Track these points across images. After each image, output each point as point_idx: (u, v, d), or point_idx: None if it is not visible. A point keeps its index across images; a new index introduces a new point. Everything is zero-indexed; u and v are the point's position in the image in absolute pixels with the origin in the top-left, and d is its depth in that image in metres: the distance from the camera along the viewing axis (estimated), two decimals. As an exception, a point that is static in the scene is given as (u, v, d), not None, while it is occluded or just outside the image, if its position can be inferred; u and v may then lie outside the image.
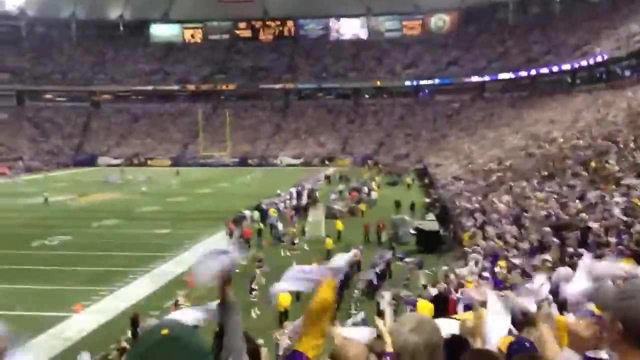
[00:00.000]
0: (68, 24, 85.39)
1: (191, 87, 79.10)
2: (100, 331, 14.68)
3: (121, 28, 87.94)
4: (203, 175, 54.09)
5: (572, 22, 62.38)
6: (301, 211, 31.90)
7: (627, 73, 47.17)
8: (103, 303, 16.88)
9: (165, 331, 1.40)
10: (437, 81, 71.56)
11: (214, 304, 2.46)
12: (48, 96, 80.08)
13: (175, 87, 78.93)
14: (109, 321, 15.40)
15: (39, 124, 73.02)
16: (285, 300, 15.04)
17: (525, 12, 74.44)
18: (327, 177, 46.97)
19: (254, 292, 17.65)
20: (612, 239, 11.29)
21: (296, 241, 24.86)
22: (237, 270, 20.33)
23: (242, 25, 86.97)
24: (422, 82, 72.72)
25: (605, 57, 46.43)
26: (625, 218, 12.27)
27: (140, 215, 32.18)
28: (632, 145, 19.71)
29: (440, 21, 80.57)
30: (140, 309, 15.08)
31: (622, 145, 20.48)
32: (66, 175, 56.50)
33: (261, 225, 26.96)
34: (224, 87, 78.57)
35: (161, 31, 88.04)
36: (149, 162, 65.89)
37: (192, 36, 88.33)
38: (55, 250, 23.31)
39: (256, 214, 29.23)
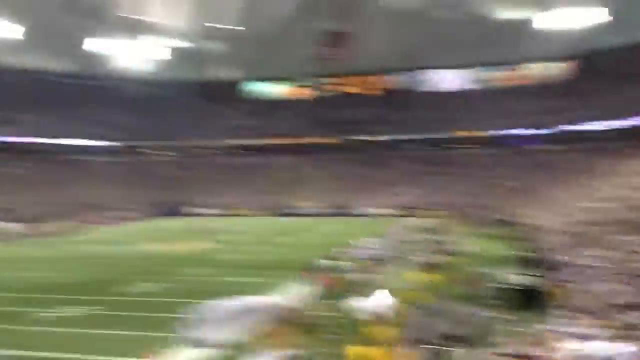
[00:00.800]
0: (178, 85, 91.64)
1: (287, 140, 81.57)
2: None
3: (219, 85, 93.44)
4: (292, 225, 54.83)
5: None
6: (384, 262, 31.10)
7: None
8: (182, 352, 16.87)
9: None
10: (531, 131, 69.26)
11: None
12: (150, 151, 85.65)
13: (265, 142, 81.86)
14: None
15: (140, 177, 77.70)
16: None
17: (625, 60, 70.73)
18: (412, 228, 45.80)
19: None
20: None
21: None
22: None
23: (333, 80, 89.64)
24: (514, 132, 70.65)
25: None
26: None
27: (226, 263, 32.73)
28: None
29: (547, 70, 78.54)
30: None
31: None
32: (159, 224, 59.17)
33: (341, 275, 26.47)
34: (318, 140, 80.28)
35: (255, 88, 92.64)
36: (235, 212, 67.71)
37: (290, 93, 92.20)
38: (146, 297, 23.91)
39: (336, 264, 28.80)
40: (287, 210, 65.51)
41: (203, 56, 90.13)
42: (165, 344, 17.26)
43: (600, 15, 65.29)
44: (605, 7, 63.78)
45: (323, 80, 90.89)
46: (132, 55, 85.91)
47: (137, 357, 15.83)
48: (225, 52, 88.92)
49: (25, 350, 15.96)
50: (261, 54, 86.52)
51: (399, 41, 77.75)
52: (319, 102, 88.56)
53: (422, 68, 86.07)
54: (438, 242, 35.85)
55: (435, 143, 75.84)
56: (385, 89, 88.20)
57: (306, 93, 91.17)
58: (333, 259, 30.12)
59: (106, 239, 46.42)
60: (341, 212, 64.85)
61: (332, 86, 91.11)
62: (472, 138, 73.43)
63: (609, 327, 12.34)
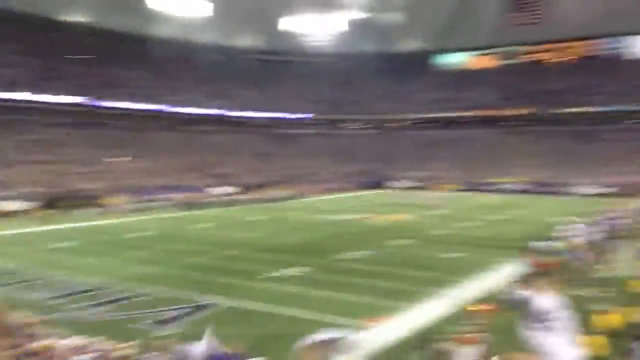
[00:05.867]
0: (365, 57, 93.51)
1: (481, 112, 78.58)
2: (388, 348, 14.84)
3: (412, 59, 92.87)
4: (495, 201, 52.79)
5: None
6: (606, 246, 28.27)
7: None
8: (394, 320, 17.12)
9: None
10: None
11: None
12: (346, 124, 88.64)
13: (466, 114, 79.42)
14: (398, 340, 15.50)
15: (343, 150, 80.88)
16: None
17: None
18: (638, 210, 40.92)
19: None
20: None
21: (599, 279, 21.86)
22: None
23: (529, 48, 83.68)
24: None
25: None
26: None
27: (432, 237, 32.52)
28: None
29: None
30: (430, 331, 14.88)
31: None
32: (362, 196, 61.04)
33: (562, 257, 24.64)
34: (514, 112, 75.98)
35: (448, 59, 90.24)
36: (440, 186, 66.99)
37: (479, 63, 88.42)
38: (357, 264, 24.81)
39: (557, 245, 26.88)
40: (488, 187, 63.08)
41: (387, 28, 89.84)
42: (382, 311, 17.74)
43: None
44: None
45: (516, 48, 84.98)
46: (321, 30, 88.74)
47: (355, 318, 16.48)
48: (410, 23, 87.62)
49: (255, 301, 17.57)
50: (447, 23, 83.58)
51: (597, 5, 69.40)
52: (514, 71, 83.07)
53: (626, 34, 75.82)
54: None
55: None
56: (585, 57, 79.65)
57: (499, 63, 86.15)
58: (548, 239, 28.20)
59: (318, 208, 49.20)
60: (547, 190, 60.50)
61: (527, 55, 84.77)
62: None
63: None
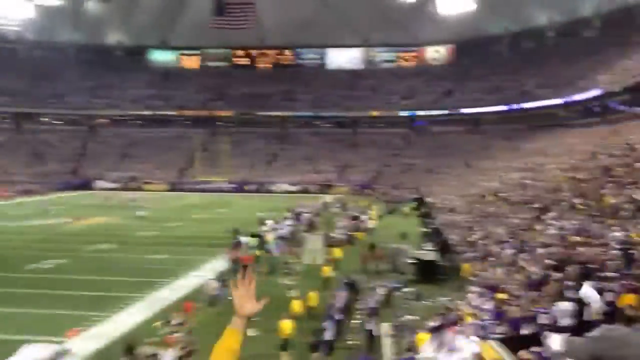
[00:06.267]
0: (67, 48, 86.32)
1: (188, 112, 79.81)
2: (94, 358, 14.54)
3: (119, 53, 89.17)
4: (200, 200, 54.17)
5: (566, 56, 63.43)
6: (298, 238, 31.89)
7: (622, 108, 47.86)
8: (97, 329, 16.71)
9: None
10: (432, 112, 72.32)
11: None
12: (45, 119, 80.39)
13: (173, 113, 79.58)
14: (103, 348, 15.24)
15: (36, 147, 73.09)
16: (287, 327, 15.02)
17: (519, 46, 75.52)
18: (325, 205, 47.10)
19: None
20: (611, 274, 11.40)
21: (294, 269, 24.70)
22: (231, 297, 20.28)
23: (239, 52, 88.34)
24: (418, 113, 73.51)
25: (600, 91, 47.15)
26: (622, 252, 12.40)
27: (136, 240, 32.08)
28: (627, 178, 19.99)
29: (436, 53, 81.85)
30: (136, 336, 14.96)
31: (617, 179, 20.75)
32: (62, 198, 56.40)
33: (258, 251, 26.93)
34: (221, 113, 79.30)
35: (159, 57, 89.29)
36: (146, 186, 65.89)
37: (190, 62, 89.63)
38: (50, 274, 23.12)
39: (253, 240, 29.22)
40: (195, 186, 64.58)
41: (92, 19, 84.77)
42: (81, 322, 16.99)
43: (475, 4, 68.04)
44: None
45: (226, 51, 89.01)
46: (9, 14, 78.68)
47: (53, 332, 15.49)
48: (118, 15, 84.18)
49: None
50: (157, 19, 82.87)
51: (304, 17, 77.77)
52: (223, 73, 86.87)
53: (328, 46, 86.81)
54: (350, 219, 37.15)
55: (343, 122, 77.39)
56: (290, 64, 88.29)
57: (210, 64, 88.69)
58: (249, 235, 30.50)
59: (6, 214, 43.57)
60: (251, 189, 64.87)
61: (237, 58, 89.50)
62: (381, 117, 75.56)
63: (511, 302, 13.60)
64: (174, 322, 16.01)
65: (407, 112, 73.95)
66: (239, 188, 64.88)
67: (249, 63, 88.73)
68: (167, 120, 79.68)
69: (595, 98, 49.70)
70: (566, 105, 56.48)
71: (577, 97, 52.83)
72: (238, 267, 24.86)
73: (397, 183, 61.24)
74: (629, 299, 9.15)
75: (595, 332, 1.81)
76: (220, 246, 27.55)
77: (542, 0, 65.88)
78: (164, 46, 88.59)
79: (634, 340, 1.70)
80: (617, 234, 13.95)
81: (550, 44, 70.34)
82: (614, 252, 12.67)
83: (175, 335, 15.30)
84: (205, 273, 23.73)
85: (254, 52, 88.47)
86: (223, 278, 22.10)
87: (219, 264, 25.55)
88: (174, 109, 79.56)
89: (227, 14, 71.77)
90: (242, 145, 73.24)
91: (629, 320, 7.17)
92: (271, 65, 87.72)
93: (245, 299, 2.52)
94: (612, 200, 18.04)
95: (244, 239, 29.36)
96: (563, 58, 63.69)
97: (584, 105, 54.22)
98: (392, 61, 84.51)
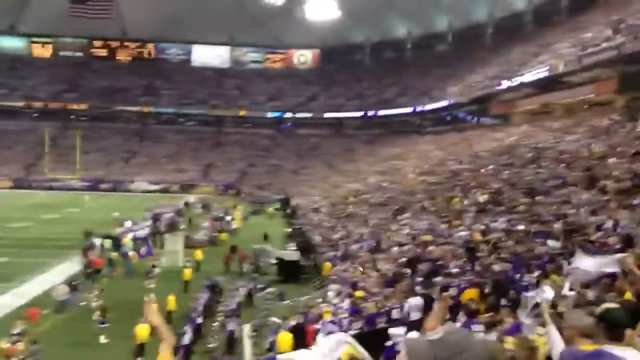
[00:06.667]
0: None
1: (38, 104, 73.35)
2: None
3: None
4: (49, 199, 50.00)
5: (421, 67, 67.88)
6: (158, 239, 30.68)
7: (469, 117, 52.27)
8: None
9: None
10: (298, 115, 73.54)
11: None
12: None
13: (21, 104, 72.70)
14: None
15: None
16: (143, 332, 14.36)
17: (380, 55, 79.35)
18: (187, 204, 45.68)
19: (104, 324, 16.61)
20: (457, 270, 12.30)
21: (154, 272, 23.63)
22: (84, 303, 19.02)
23: (97, 43, 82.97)
24: (285, 115, 74.35)
25: (450, 102, 51.01)
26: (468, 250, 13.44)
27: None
28: (472, 183, 21.77)
29: (302, 57, 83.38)
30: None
31: (464, 183, 22.52)
32: None
33: (113, 254, 25.47)
34: (75, 106, 73.83)
35: (6, 43, 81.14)
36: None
37: (41, 51, 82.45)
38: None
39: (107, 242, 27.62)
40: (45, 184, 59.55)
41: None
42: None
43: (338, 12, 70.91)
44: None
45: (82, 41, 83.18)
46: None
47: None
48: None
49: None
50: (6, 2, 75.52)
51: (168, 12, 75.15)
52: (80, 64, 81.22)
53: (193, 42, 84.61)
54: (214, 219, 36.50)
55: (209, 120, 75.86)
56: (154, 59, 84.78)
57: (65, 54, 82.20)
58: (105, 237, 28.74)
59: None
60: (107, 187, 61.26)
61: (96, 49, 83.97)
62: (248, 118, 75.14)
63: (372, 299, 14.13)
64: (15, 330, 14.63)
65: (274, 113, 74.43)
66: (94, 186, 60.87)
67: (107, 55, 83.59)
68: (13, 111, 72.57)
69: (445, 108, 53.65)
70: (421, 113, 60.38)
71: (431, 106, 56.68)
72: (91, 271, 23.36)
73: (263, 184, 61.39)
74: (471, 294, 9.89)
75: (435, 335, 1.89)
76: (71, 248, 25.68)
77: (401, 13, 69.72)
78: (12, 32, 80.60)
79: (470, 345, 1.83)
80: (462, 233, 15.10)
81: (408, 55, 74.76)
82: (460, 250, 13.68)
83: (18, 345, 14.02)
84: (53, 277, 21.98)
85: (113, 43, 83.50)
86: (74, 283, 20.62)
87: (70, 267, 23.83)
88: (21, 100, 72.70)
89: (86, 2, 67.07)
90: (98, 141, 69.00)
91: (471, 314, 7.72)
92: (131, 58, 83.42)
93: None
94: (459, 203, 19.53)
95: (97, 241, 27.65)
96: (419, 69, 68.03)
97: (436, 114, 58.39)
98: (260, 62, 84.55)
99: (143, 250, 28.03)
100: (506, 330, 6.44)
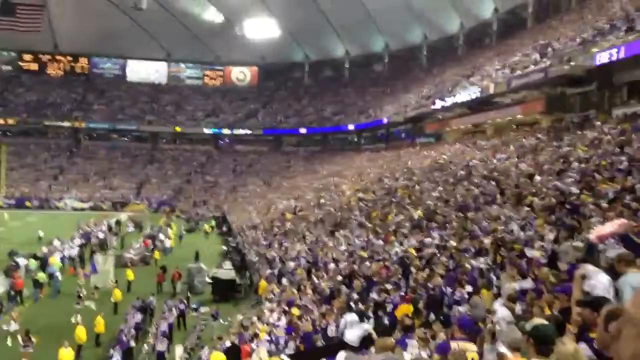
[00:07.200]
0: None
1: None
2: None
3: None
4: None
5: (359, 86, 69.02)
6: (87, 259, 29.41)
7: (404, 136, 53.40)
8: None
9: None
10: (236, 131, 72.92)
11: None
12: None
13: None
14: None
15: None
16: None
17: (319, 74, 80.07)
18: (118, 223, 44.02)
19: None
20: (391, 286, 12.36)
21: (82, 293, 22.48)
22: (4, 327, 17.89)
23: (27, 57, 79.49)
24: (222, 131, 73.52)
25: (386, 120, 51.99)
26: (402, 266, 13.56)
27: None
28: (407, 199, 22.12)
29: (241, 74, 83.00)
30: None
31: (399, 199, 22.85)
32: None
33: (39, 275, 24.15)
34: (1, 121, 70.20)
35: None
36: None
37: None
38: None
39: (33, 263, 26.20)
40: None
41: None
42: None
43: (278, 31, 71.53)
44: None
45: (11, 54, 79.52)
46: None
47: None
48: None
49: None
50: None
51: (101, 25, 73.10)
52: (10, 79, 77.63)
53: (121, 57, 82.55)
54: (147, 238, 35.38)
55: (143, 136, 73.96)
56: (86, 73, 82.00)
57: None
58: (32, 257, 27.27)
59: None
60: (35, 205, 58.38)
61: (25, 63, 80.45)
62: (184, 134, 73.72)
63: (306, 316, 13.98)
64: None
65: (211, 129, 73.45)
66: (19, 204, 57.87)
67: (37, 69, 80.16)
68: None
69: (382, 126, 54.61)
70: (357, 131, 61.24)
71: (367, 124, 57.56)
72: (14, 293, 22.07)
73: (199, 201, 60.29)
74: (405, 309, 9.95)
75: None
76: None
77: (340, 33, 70.78)
78: None
79: None
80: (397, 249, 15.24)
81: (346, 75, 75.85)
82: (394, 266, 13.78)
83: None
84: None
85: (44, 57, 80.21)
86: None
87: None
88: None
89: (16, 15, 64.16)
90: (24, 157, 66.01)
91: (406, 329, 7.72)
92: (63, 73, 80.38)
93: None
94: (394, 219, 19.76)
95: (22, 261, 26.19)
96: (356, 88, 69.11)
97: (373, 132, 59.38)
98: (197, 78, 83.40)
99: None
100: (438, 345, 6.47)
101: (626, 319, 1.15)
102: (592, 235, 7.07)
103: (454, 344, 5.66)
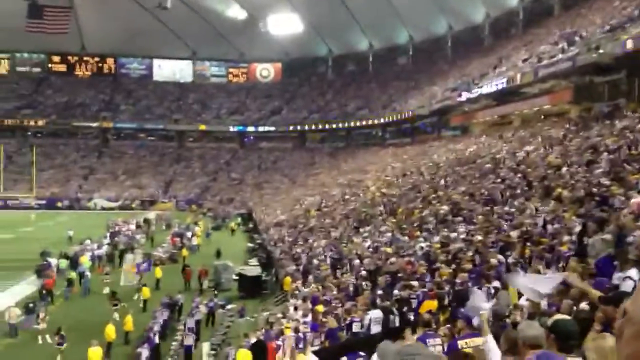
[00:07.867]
0: None
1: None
2: None
3: None
4: (3, 218, 48.23)
5: (383, 80, 68.52)
6: (116, 258, 29.88)
7: (429, 129, 52.85)
8: None
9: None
10: (261, 128, 73.19)
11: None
12: None
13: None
14: None
15: None
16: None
17: (342, 68, 79.73)
18: (147, 221, 44.58)
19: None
20: (416, 282, 12.21)
21: (108, 291, 22.88)
22: (38, 326, 18.29)
23: (56, 59, 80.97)
24: (247, 129, 73.88)
25: (411, 114, 51.49)
26: (427, 262, 13.40)
27: None
28: (433, 194, 21.87)
29: (265, 71, 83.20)
30: None
31: (425, 195, 22.62)
32: None
33: (70, 274, 24.60)
34: (32, 122, 71.74)
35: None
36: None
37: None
38: None
39: (63, 262, 26.72)
40: (1, 202, 57.42)
41: None
42: None
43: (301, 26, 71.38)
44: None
45: (40, 56, 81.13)
46: None
47: None
48: None
49: None
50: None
51: (127, 26, 73.93)
52: (38, 80, 79.14)
53: (148, 57, 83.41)
54: (174, 236, 35.77)
55: (169, 135, 74.81)
56: (114, 73, 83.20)
57: (22, 69, 79.93)
58: (62, 256, 27.82)
59: None
60: (65, 205, 59.50)
61: (55, 65, 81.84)
62: (210, 132, 74.35)
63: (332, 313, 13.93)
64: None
65: (236, 127, 73.86)
66: (50, 204, 59.02)
67: (66, 70, 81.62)
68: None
69: (407, 120, 54.11)
70: (382, 125, 60.81)
71: (392, 118, 57.07)
72: (46, 292, 22.50)
73: (225, 198, 60.69)
74: (430, 305, 9.82)
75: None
76: (26, 269, 24.75)
77: (363, 26, 70.31)
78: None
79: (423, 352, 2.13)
80: (422, 244, 15.07)
81: (369, 68, 75.38)
82: (420, 262, 13.63)
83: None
84: (6, 299, 21.04)
85: (72, 59, 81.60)
86: (30, 305, 19.84)
87: (24, 288, 22.96)
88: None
89: (44, 17, 65.33)
90: (55, 158, 67.32)
91: (428, 325, 7.61)
92: (90, 74, 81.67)
93: None
94: (419, 214, 19.56)
95: (53, 261, 26.71)
96: (380, 82, 68.65)
97: (397, 126, 58.87)
98: (221, 76, 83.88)
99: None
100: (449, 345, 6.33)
101: (626, 318, 1.09)
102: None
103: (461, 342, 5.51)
